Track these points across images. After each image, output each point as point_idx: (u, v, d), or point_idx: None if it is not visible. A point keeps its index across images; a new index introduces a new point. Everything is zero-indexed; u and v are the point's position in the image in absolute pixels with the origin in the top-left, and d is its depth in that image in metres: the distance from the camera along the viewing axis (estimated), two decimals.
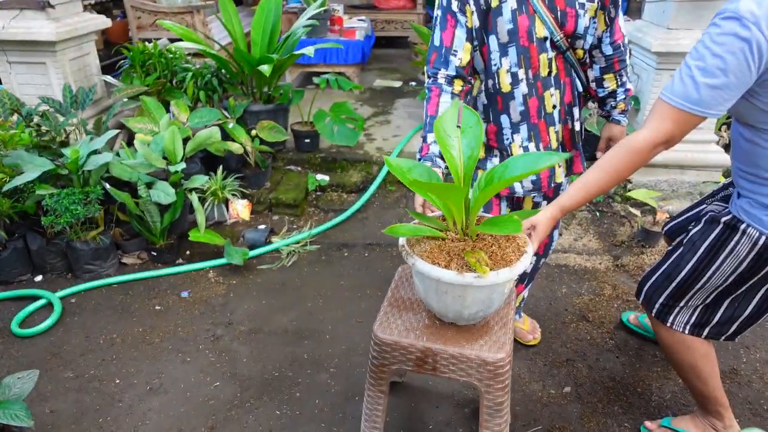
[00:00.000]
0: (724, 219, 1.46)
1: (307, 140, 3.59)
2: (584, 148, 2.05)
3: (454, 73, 1.59)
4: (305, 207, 3.34)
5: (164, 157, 2.74)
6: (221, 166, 3.08)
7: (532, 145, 1.71)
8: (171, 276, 2.71)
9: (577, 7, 1.55)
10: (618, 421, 1.90)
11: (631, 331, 2.31)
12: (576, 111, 1.75)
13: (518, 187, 1.76)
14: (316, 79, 3.60)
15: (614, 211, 3.22)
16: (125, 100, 3.23)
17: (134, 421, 1.90)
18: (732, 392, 1.99)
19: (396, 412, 1.92)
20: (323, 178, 3.46)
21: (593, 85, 1.78)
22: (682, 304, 1.58)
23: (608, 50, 1.69)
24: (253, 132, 3.28)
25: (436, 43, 1.61)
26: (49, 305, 2.48)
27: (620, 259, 2.80)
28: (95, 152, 2.64)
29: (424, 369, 1.41)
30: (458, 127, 1.31)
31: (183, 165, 2.70)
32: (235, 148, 3.07)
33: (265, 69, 3.02)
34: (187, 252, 2.89)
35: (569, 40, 1.61)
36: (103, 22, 3.41)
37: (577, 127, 1.78)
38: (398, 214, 3.29)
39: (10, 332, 2.31)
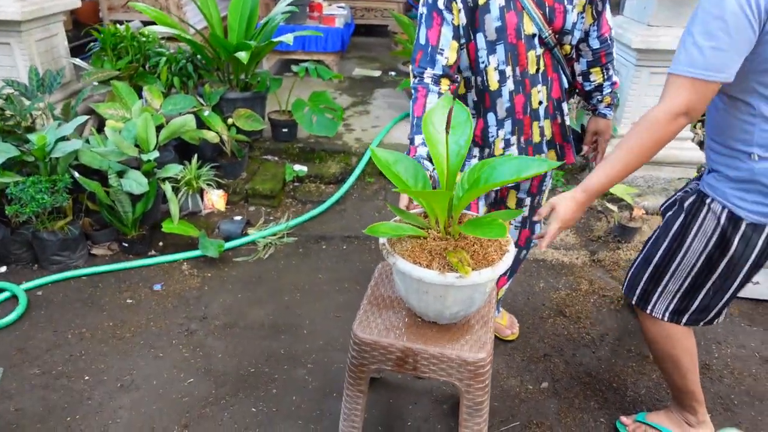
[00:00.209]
0: (692, 197, 1.48)
1: (285, 129, 3.52)
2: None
3: (440, 73, 1.55)
4: (282, 198, 3.28)
5: (136, 145, 2.65)
6: (196, 155, 3.00)
7: (514, 138, 1.70)
8: (143, 268, 2.64)
9: (566, 2, 1.53)
10: (594, 416, 1.92)
11: (608, 328, 2.33)
12: (564, 106, 1.74)
13: None
14: (294, 68, 3.53)
15: (591, 206, 3.24)
16: (95, 84, 3.11)
17: (104, 420, 1.84)
18: (704, 387, 2.02)
19: (374, 409, 1.90)
20: (301, 168, 3.40)
21: (580, 78, 1.77)
22: (660, 289, 1.59)
23: (595, 44, 1.68)
24: (230, 120, 3.19)
25: (422, 41, 1.56)
26: (14, 298, 2.38)
27: (597, 254, 2.83)
28: (63, 138, 2.53)
29: (404, 369, 1.39)
30: (447, 132, 1.27)
31: (156, 153, 2.61)
32: (210, 136, 2.99)
33: (243, 56, 2.94)
34: (160, 243, 2.81)
35: (557, 36, 1.59)
36: (72, 1, 3.27)
37: (567, 121, 1.78)
38: (377, 206, 3.26)
39: None
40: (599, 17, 1.64)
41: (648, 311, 1.62)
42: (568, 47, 1.64)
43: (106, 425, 1.82)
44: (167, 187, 2.67)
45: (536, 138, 1.72)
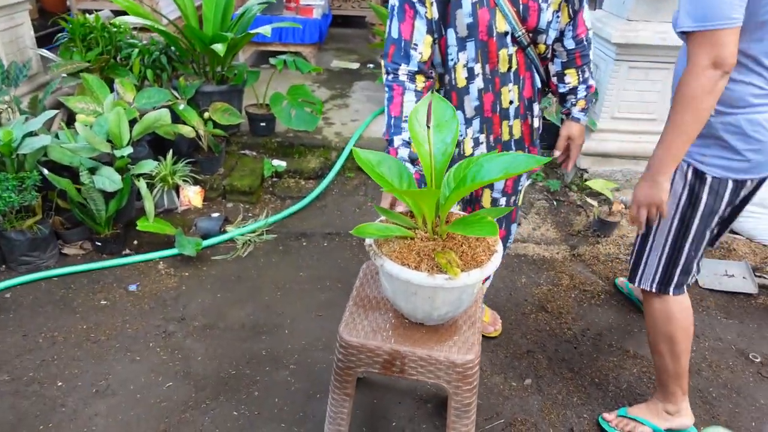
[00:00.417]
0: None
1: (263, 124, 3.45)
2: (543, 137, 2.03)
3: (415, 69, 1.51)
4: (261, 194, 3.22)
5: (109, 141, 2.56)
6: (171, 151, 2.92)
7: (483, 137, 1.67)
8: (117, 268, 2.56)
9: (540, 1, 1.49)
10: (577, 412, 1.93)
11: (588, 323, 2.35)
12: (536, 107, 1.71)
13: None
14: (272, 60, 3.45)
15: (571, 200, 3.26)
16: (64, 76, 3.00)
17: (79, 427, 1.77)
18: None
19: (358, 409, 1.87)
20: (280, 163, 3.34)
21: (554, 79, 1.73)
22: (644, 259, 1.67)
23: (570, 44, 1.63)
24: (206, 114, 3.11)
25: (394, 35, 1.51)
26: None
27: (577, 249, 2.84)
28: (31, 134, 2.43)
29: (391, 371, 1.36)
30: (428, 127, 1.24)
31: (129, 149, 2.53)
32: (186, 131, 2.91)
33: (219, 48, 2.86)
34: (135, 242, 2.73)
35: (531, 35, 1.55)
36: None
37: (536, 123, 1.74)
38: (358, 201, 3.22)
39: None
40: (575, 17, 1.59)
41: (637, 283, 1.70)
42: (542, 47, 1.60)
43: None
44: (142, 184, 2.59)
45: (505, 137, 1.70)
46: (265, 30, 3.06)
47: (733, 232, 2.98)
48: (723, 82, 1.30)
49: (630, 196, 3.11)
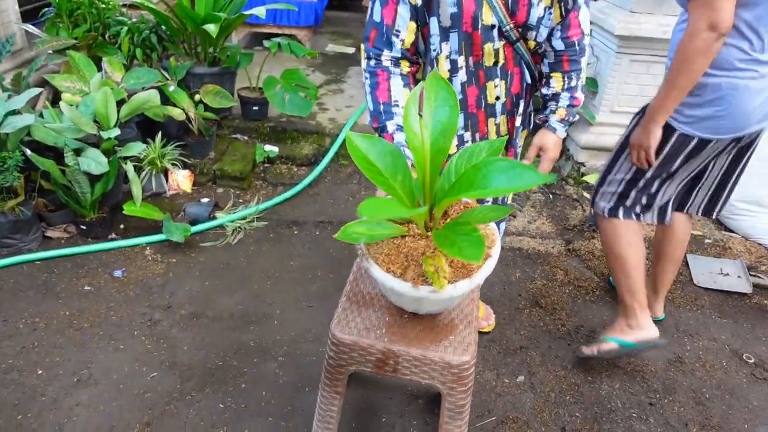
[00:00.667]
0: (636, 117, 1.81)
1: (256, 108, 3.37)
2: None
3: (398, 55, 1.45)
4: (252, 180, 3.15)
5: (95, 121, 2.47)
6: (160, 133, 2.83)
7: (468, 135, 1.61)
8: (102, 252, 2.49)
9: None
10: (569, 410, 1.90)
11: (582, 319, 2.32)
12: (522, 103, 1.63)
13: None
14: (266, 42, 3.36)
15: (567, 194, 3.22)
16: (50, 53, 2.90)
17: (59, 417, 1.72)
18: (677, 381, 2.04)
19: (348, 404, 1.83)
20: (272, 149, 3.27)
21: (544, 80, 1.64)
22: (602, 189, 1.93)
23: (559, 45, 1.54)
24: (197, 96, 3.03)
25: (376, 18, 1.44)
26: None
27: (572, 244, 2.81)
28: (14, 112, 2.34)
29: (384, 371, 1.32)
30: (420, 115, 1.17)
31: (117, 131, 2.45)
32: (176, 113, 2.82)
33: (212, 29, 2.77)
34: (121, 226, 2.66)
35: (520, 30, 1.48)
36: None
37: (518, 122, 1.66)
38: (351, 190, 3.16)
39: None
40: (566, 17, 1.50)
41: (592, 204, 1.98)
42: (532, 43, 1.52)
43: (62, 423, 1.70)
44: (129, 167, 2.51)
45: (492, 135, 1.64)
46: (260, 11, 2.97)
47: (728, 230, 2.96)
48: (718, 44, 1.43)
49: None
